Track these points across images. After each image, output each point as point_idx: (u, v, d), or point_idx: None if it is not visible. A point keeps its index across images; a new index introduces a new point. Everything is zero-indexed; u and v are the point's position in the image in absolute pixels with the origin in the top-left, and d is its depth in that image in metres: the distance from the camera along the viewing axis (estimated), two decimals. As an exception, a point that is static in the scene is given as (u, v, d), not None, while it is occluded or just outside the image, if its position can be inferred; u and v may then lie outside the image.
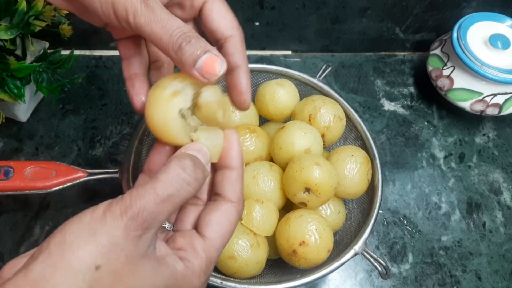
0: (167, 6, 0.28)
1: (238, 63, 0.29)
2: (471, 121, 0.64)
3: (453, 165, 0.60)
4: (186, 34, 0.24)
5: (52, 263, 0.19)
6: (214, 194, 0.27)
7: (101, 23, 0.28)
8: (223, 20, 0.28)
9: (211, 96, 0.27)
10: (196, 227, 0.26)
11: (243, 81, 0.29)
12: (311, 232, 0.39)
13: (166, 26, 0.24)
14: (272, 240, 0.42)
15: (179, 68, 0.26)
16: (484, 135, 0.63)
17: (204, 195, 0.29)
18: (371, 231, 0.42)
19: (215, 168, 0.28)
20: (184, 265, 0.23)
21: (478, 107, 0.59)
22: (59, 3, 0.26)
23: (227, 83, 0.30)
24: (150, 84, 0.30)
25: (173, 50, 0.24)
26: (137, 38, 0.29)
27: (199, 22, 0.30)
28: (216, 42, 0.29)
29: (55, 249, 0.19)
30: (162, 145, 0.28)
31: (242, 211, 0.27)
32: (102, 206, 0.21)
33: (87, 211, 0.21)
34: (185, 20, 0.30)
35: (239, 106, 0.29)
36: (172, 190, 0.22)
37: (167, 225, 0.27)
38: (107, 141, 0.58)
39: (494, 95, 0.58)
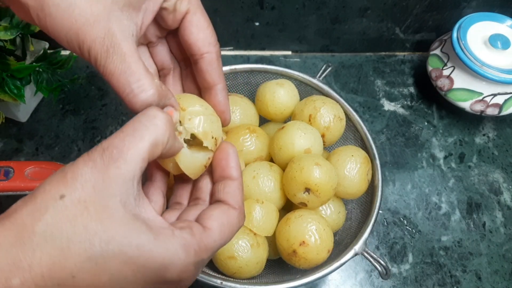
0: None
1: (214, 81, 0.29)
2: (471, 121, 0.64)
3: (453, 165, 0.60)
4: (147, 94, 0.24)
5: (25, 199, 0.20)
6: (215, 200, 0.27)
7: None
8: (202, 35, 0.28)
9: (198, 126, 0.26)
10: (197, 221, 0.25)
11: (221, 100, 0.29)
12: (311, 232, 0.39)
13: (122, 82, 0.23)
14: (272, 240, 0.42)
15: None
16: (484, 135, 0.63)
17: (205, 195, 0.28)
18: (371, 231, 0.42)
19: (215, 179, 0.28)
20: (172, 233, 0.21)
21: (478, 107, 0.59)
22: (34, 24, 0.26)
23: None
24: None
25: (128, 107, 0.24)
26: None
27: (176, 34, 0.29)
28: (191, 56, 0.29)
29: (34, 191, 0.20)
30: None
31: (243, 220, 0.26)
32: None
33: None
34: (166, 30, 0.29)
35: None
36: (137, 124, 0.21)
37: None
38: (107, 141, 0.58)
39: (494, 95, 0.58)
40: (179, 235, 0.22)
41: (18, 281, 0.18)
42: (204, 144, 0.27)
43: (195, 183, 0.30)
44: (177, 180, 0.30)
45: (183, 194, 0.30)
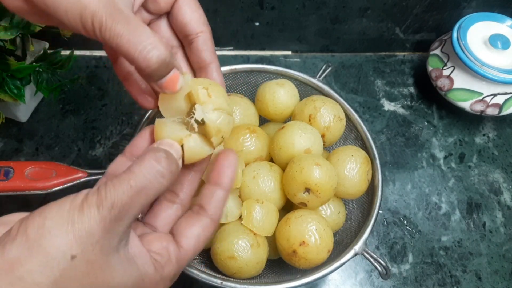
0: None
1: (209, 60, 0.30)
2: (471, 121, 0.64)
3: (453, 165, 0.60)
4: (158, 49, 0.24)
5: (29, 246, 0.19)
6: (197, 205, 0.27)
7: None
8: (195, 14, 0.29)
9: (216, 119, 0.27)
10: (174, 232, 0.26)
11: (217, 79, 0.30)
12: (311, 232, 0.39)
13: (133, 40, 0.23)
14: (272, 240, 0.42)
15: (139, 74, 0.26)
16: (484, 135, 0.63)
17: (183, 194, 0.28)
18: (371, 231, 0.42)
19: (207, 180, 0.28)
20: (155, 270, 0.23)
21: (478, 107, 0.59)
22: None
23: None
24: None
25: (140, 66, 0.24)
26: None
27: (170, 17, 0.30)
28: (186, 37, 0.29)
29: (33, 233, 0.19)
30: (148, 131, 0.28)
31: (216, 229, 0.27)
32: (81, 195, 0.21)
33: (67, 198, 0.21)
34: (158, 14, 0.30)
35: None
36: (145, 182, 0.22)
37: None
38: (107, 141, 0.58)
39: (494, 95, 0.58)
40: (160, 269, 0.24)
41: None
42: (212, 139, 0.27)
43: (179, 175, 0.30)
44: None
45: None
